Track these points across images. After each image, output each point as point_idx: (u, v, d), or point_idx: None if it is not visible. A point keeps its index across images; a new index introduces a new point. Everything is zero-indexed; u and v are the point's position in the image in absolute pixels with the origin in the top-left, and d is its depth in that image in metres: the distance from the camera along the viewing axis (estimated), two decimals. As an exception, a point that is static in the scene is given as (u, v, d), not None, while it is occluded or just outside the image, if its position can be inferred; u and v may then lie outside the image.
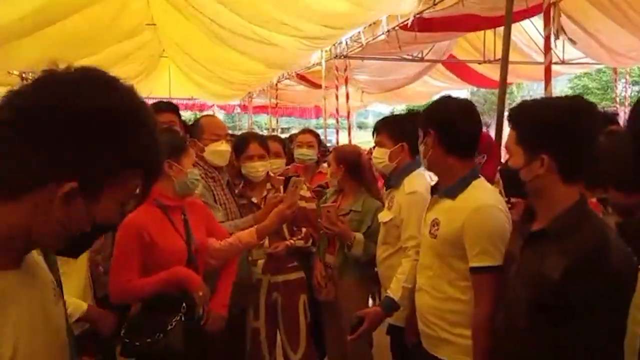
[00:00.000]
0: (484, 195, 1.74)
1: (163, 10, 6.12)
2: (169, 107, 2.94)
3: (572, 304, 1.26)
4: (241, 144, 2.70)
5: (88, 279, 2.10)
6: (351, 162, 2.70)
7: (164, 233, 1.97)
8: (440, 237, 1.75)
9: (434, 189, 1.92)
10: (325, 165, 3.60)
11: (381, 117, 3.12)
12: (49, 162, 0.75)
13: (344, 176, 2.69)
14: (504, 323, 1.47)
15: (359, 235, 2.55)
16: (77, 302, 1.92)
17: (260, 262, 2.65)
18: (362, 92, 9.19)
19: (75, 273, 1.99)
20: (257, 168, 2.64)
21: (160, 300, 1.91)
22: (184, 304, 1.91)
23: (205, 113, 11.12)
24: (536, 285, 1.34)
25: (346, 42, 6.42)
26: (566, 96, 1.49)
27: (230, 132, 3.05)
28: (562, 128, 1.33)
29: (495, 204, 1.70)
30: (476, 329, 1.64)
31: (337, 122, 8.15)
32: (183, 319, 1.90)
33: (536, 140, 1.37)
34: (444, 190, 1.82)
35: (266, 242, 2.62)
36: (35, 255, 0.86)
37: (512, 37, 3.71)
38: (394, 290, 2.11)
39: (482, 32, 6.41)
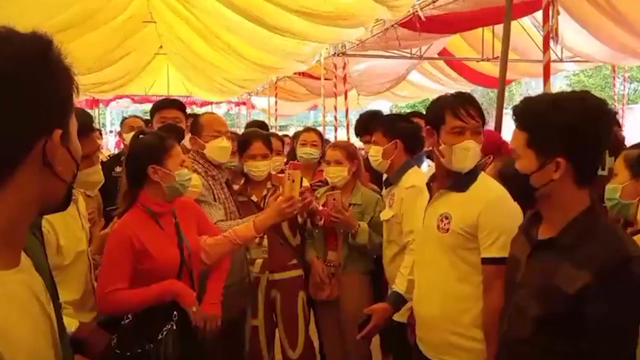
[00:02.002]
0: (496, 187, 1.72)
1: (162, 7, 6.11)
2: (175, 104, 2.97)
3: (588, 320, 1.20)
4: (245, 142, 2.67)
5: (88, 286, 2.01)
6: (359, 158, 2.72)
7: (155, 240, 1.90)
8: (454, 230, 1.72)
9: (428, 185, 1.90)
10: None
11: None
12: (28, 124, 0.73)
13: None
14: (507, 333, 1.42)
15: (364, 224, 2.56)
16: (66, 322, 1.83)
17: (259, 261, 2.64)
18: (359, 95, 9.19)
19: (72, 282, 1.92)
20: (260, 167, 2.63)
21: (151, 309, 1.85)
22: (175, 313, 1.86)
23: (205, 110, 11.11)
24: (547, 298, 1.27)
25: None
26: (573, 92, 1.36)
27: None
28: (579, 131, 1.24)
29: (508, 195, 1.67)
30: (491, 318, 1.61)
31: (336, 119, 8.14)
32: (175, 327, 1.85)
33: (551, 144, 1.27)
34: (451, 184, 1.78)
35: (265, 241, 2.62)
36: (22, 255, 0.82)
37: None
38: (399, 284, 2.10)
39: (481, 30, 6.43)
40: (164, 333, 1.83)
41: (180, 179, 1.94)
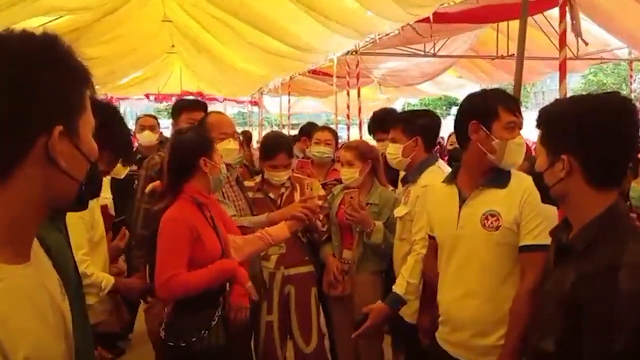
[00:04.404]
0: (529, 177, 1.68)
1: (178, 5, 6.15)
2: (200, 106, 3.05)
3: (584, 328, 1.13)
4: (270, 150, 2.70)
5: (106, 269, 2.14)
6: (375, 157, 2.71)
7: (205, 230, 1.97)
8: (505, 227, 1.68)
9: (452, 183, 1.84)
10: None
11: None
12: (27, 121, 0.73)
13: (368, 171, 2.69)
14: (534, 342, 1.37)
15: (379, 223, 2.56)
16: (106, 276, 2.01)
17: (274, 257, 2.67)
18: (380, 85, 9.13)
19: (98, 262, 2.04)
20: (281, 177, 2.69)
21: (197, 297, 1.89)
22: (221, 298, 1.92)
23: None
24: (561, 308, 1.23)
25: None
26: (604, 93, 1.33)
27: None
28: (584, 127, 1.21)
29: None
30: (518, 303, 1.61)
31: (348, 118, 8.10)
32: (221, 313, 1.92)
33: (558, 140, 1.26)
34: (491, 180, 1.74)
35: None
36: (38, 251, 0.84)
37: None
38: (398, 285, 2.10)
39: (495, 29, 6.38)
40: (215, 319, 1.89)
41: (224, 172, 2.07)
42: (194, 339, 1.85)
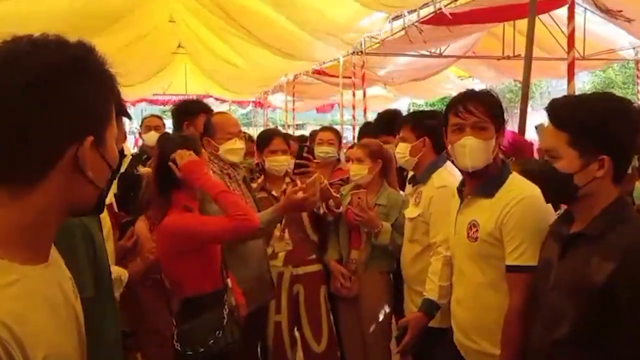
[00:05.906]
0: (526, 187, 1.64)
1: (183, 6, 6.15)
2: (209, 109, 3.06)
3: (620, 309, 1.20)
4: (265, 138, 2.78)
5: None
6: (387, 156, 2.70)
7: None
8: (482, 238, 1.67)
9: (459, 191, 1.84)
10: (343, 162, 3.58)
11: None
12: (60, 130, 0.74)
13: (377, 171, 2.67)
14: (542, 336, 1.39)
15: (387, 224, 2.55)
16: (121, 270, 2.00)
17: (281, 254, 2.68)
18: (385, 84, 9.12)
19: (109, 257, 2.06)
20: (281, 162, 2.70)
21: (201, 300, 1.91)
22: (225, 297, 1.94)
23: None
24: (581, 295, 1.27)
25: (363, 39, 6.36)
26: (606, 93, 1.44)
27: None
28: (617, 130, 1.30)
29: (540, 195, 1.53)
30: (507, 324, 1.60)
31: (354, 118, 8.09)
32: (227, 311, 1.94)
33: (593, 142, 1.31)
34: (479, 189, 1.73)
35: (286, 234, 2.67)
36: (53, 251, 0.85)
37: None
38: (430, 291, 2.05)
39: (502, 27, 6.35)
40: (225, 318, 1.90)
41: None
42: (211, 342, 1.85)
